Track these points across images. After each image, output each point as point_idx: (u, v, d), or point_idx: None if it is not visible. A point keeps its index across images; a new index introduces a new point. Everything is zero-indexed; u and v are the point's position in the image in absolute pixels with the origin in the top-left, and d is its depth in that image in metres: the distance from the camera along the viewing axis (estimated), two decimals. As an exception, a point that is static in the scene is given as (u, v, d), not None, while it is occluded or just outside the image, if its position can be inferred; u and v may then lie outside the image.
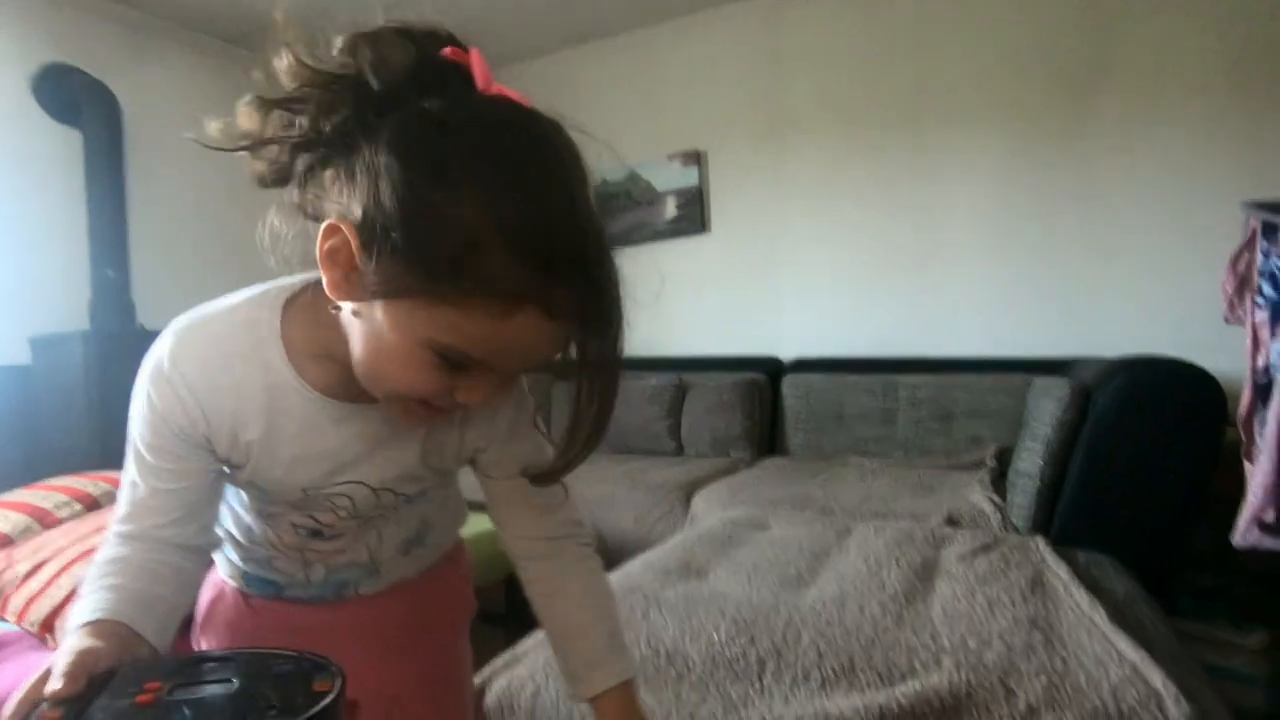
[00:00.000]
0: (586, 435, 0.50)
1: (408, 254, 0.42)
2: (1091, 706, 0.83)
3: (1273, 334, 1.26)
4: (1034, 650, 0.95)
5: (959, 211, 2.70)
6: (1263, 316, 1.29)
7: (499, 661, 1.11)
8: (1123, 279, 2.43)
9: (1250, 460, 1.34)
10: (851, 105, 2.87)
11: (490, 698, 1.03)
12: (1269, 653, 1.52)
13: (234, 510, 0.63)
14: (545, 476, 0.55)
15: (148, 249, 2.88)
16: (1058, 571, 1.26)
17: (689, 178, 3.23)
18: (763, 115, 3.06)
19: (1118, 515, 1.53)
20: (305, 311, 0.53)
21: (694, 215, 3.22)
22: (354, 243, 0.44)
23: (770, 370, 2.83)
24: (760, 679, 0.96)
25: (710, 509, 2.03)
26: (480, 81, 0.46)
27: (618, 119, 3.32)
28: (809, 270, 2.99)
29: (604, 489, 2.23)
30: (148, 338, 0.55)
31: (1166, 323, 2.32)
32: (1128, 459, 1.52)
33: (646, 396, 2.79)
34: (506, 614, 1.94)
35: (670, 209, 3.28)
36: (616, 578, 1.31)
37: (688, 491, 2.19)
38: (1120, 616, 1.07)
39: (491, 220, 0.41)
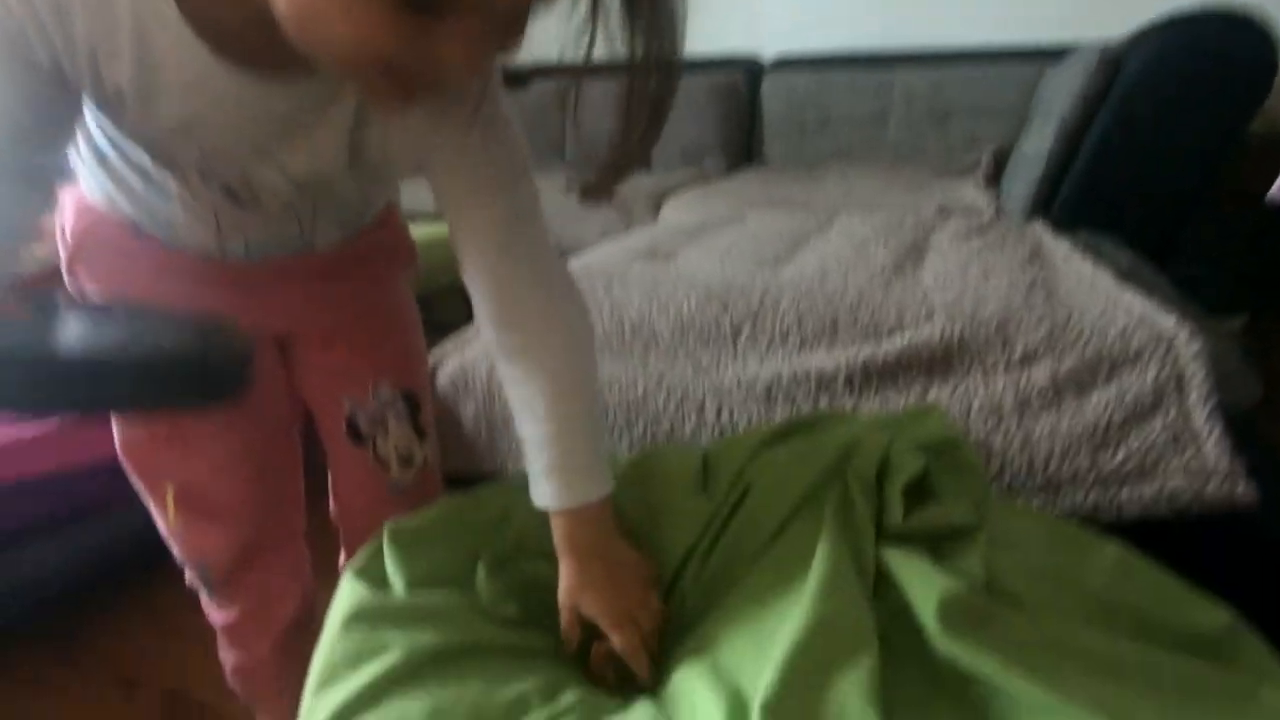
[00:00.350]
0: (639, 139, 0.38)
1: None
2: (1094, 351, 0.76)
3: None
4: (1033, 306, 0.86)
5: None
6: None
7: (449, 344, 1.01)
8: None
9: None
10: None
11: (443, 377, 0.95)
12: (1244, 334, 1.53)
13: (119, 145, 0.46)
14: (589, 191, 0.43)
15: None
16: (1056, 246, 1.17)
17: None
18: None
19: (1125, 200, 1.41)
20: None
21: None
22: None
23: (749, 70, 2.49)
24: (734, 343, 0.88)
25: (680, 216, 1.87)
26: None
27: None
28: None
29: (561, 202, 2.04)
30: None
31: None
32: (1148, 133, 1.35)
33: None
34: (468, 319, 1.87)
35: None
36: (576, 265, 1.19)
37: (657, 201, 2.02)
38: (1125, 280, 0.98)
39: None
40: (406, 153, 0.47)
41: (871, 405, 0.77)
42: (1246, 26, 1.26)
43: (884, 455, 0.49)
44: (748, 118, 2.47)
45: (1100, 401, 0.71)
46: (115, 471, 0.57)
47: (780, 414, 0.77)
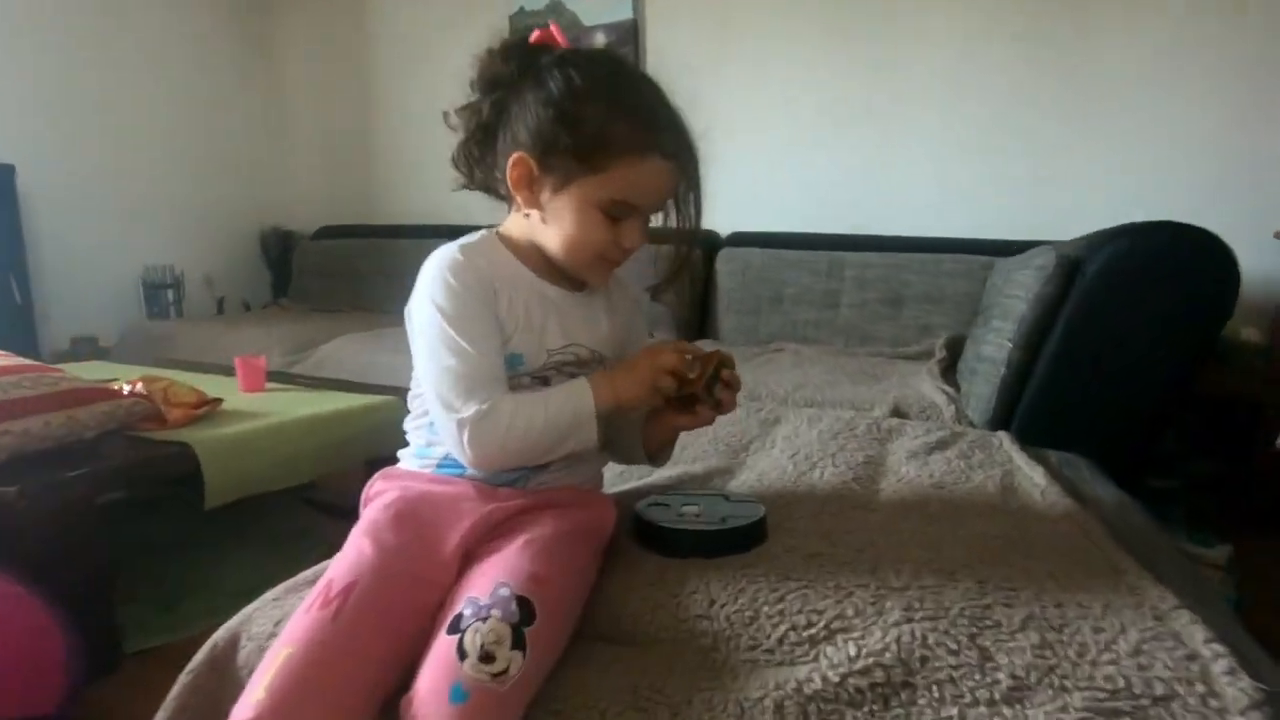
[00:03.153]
0: (688, 247, 0.80)
1: (568, 148, 0.68)
2: (1105, 683, 0.55)
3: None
4: (1014, 593, 0.66)
5: (921, 69, 2.30)
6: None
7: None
8: (1108, 151, 2.12)
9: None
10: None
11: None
12: (1230, 567, 1.34)
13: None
14: (660, 287, 0.83)
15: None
16: (1032, 476, 0.99)
17: (622, 9, 2.69)
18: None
19: (1091, 410, 1.28)
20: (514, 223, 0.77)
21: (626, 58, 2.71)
22: (532, 162, 0.70)
23: (704, 244, 2.46)
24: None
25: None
26: (561, 43, 0.75)
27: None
28: (752, 131, 2.56)
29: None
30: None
31: (1157, 203, 2.03)
32: (1113, 341, 1.25)
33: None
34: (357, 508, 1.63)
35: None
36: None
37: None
38: (1123, 540, 0.80)
39: (613, 108, 0.68)
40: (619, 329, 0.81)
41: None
42: (1205, 240, 1.20)
43: None
44: (701, 292, 2.40)
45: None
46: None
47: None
